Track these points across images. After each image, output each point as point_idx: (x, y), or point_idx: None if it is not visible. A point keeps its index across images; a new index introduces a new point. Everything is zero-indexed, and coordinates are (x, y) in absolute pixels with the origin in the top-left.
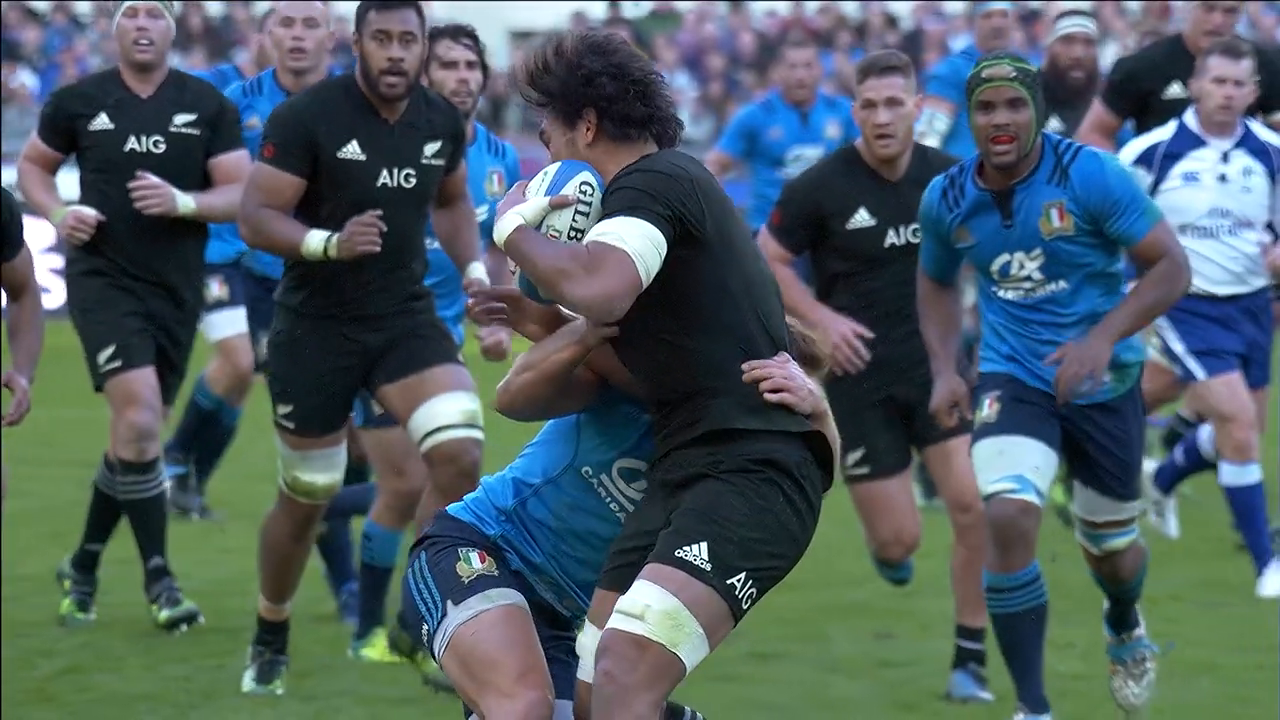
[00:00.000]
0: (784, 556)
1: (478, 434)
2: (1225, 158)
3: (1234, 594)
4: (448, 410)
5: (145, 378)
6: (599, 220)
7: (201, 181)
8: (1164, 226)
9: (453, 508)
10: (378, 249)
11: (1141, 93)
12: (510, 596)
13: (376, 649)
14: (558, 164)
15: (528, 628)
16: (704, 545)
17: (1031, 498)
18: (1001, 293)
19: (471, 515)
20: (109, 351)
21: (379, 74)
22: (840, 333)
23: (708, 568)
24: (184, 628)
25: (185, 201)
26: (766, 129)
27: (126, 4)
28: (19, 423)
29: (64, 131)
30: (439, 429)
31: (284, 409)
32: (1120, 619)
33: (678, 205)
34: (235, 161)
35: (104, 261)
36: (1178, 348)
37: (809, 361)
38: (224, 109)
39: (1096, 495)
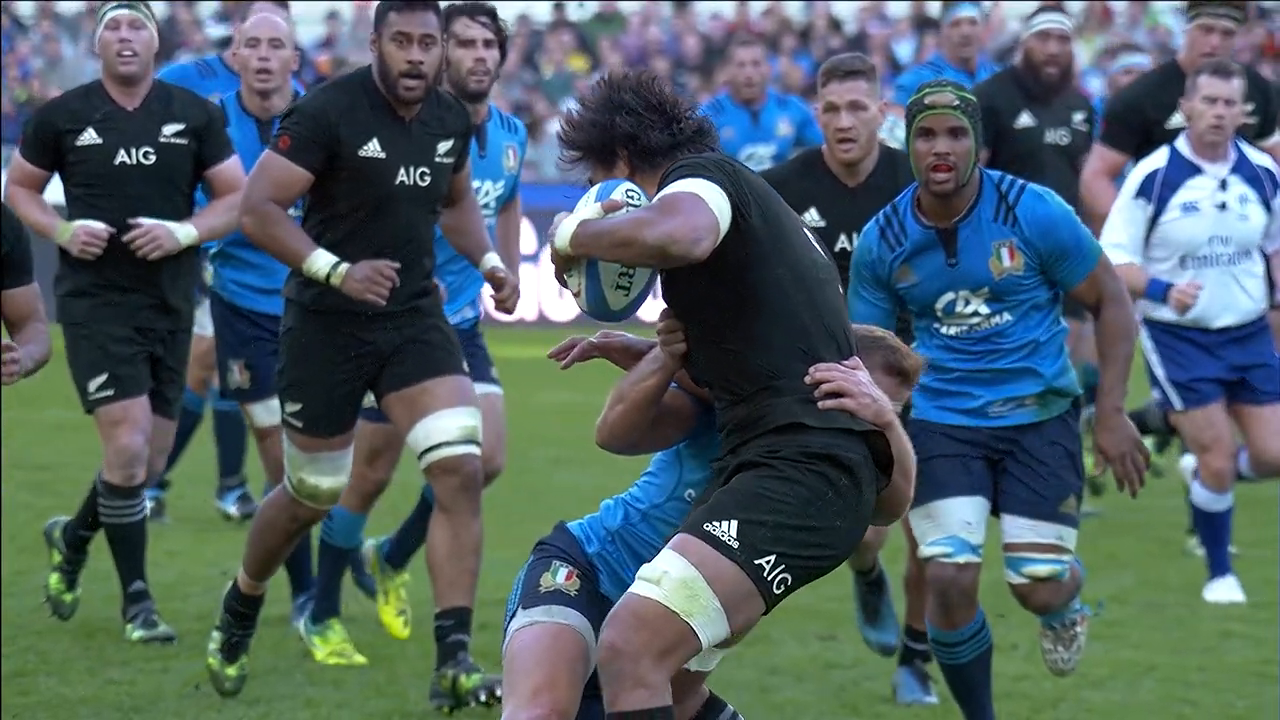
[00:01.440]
0: (825, 548)
1: (477, 449)
2: (1223, 185)
3: (1175, 595)
4: (448, 427)
5: (138, 405)
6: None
7: (191, 191)
8: (1103, 263)
9: (571, 522)
10: (384, 305)
11: (1145, 124)
12: (571, 619)
13: (328, 645)
14: (598, 184)
15: (571, 652)
16: (733, 523)
17: (967, 557)
18: (943, 329)
19: (582, 531)
20: (100, 380)
21: (398, 76)
22: None
23: (734, 545)
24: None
25: (187, 233)
26: (717, 130)
27: (109, 16)
28: (15, 374)
29: (50, 148)
30: (440, 445)
31: (292, 408)
32: None
33: (728, 183)
34: (233, 170)
35: (92, 278)
36: (1159, 373)
37: (898, 373)
38: (212, 118)
39: (1012, 517)
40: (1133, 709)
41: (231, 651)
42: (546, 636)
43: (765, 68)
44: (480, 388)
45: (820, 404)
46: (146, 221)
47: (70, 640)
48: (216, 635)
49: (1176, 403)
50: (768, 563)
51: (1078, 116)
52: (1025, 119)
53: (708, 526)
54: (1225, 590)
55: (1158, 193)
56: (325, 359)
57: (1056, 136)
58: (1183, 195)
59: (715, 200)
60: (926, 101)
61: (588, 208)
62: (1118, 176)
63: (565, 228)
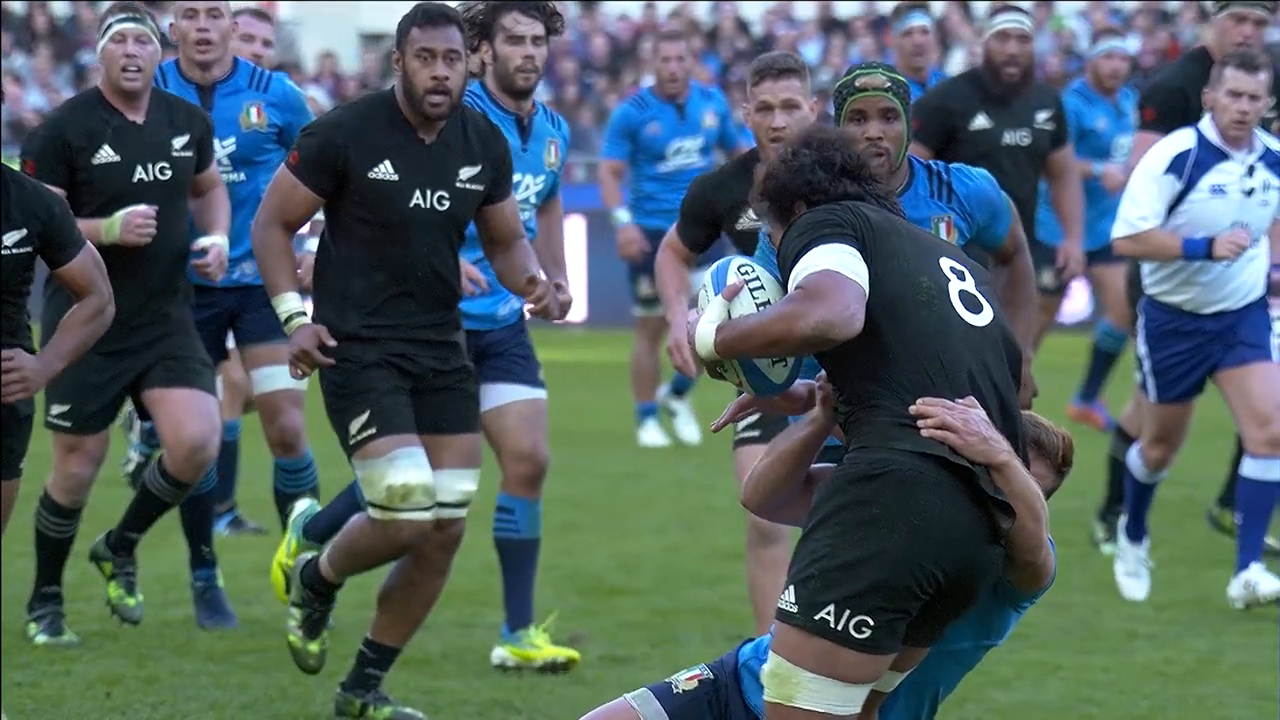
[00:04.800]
0: (886, 570)
1: (465, 512)
2: (1250, 172)
3: (1080, 596)
4: (453, 488)
5: (93, 439)
6: (792, 260)
7: (186, 200)
8: (1014, 212)
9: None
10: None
11: (1189, 111)
12: (648, 707)
13: (289, 550)
14: (707, 273)
15: None
16: (791, 589)
17: None
18: None
19: (749, 644)
20: (62, 409)
21: (423, 93)
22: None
23: (795, 610)
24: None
25: (225, 243)
26: (644, 125)
27: (114, 29)
28: (19, 392)
29: (65, 167)
30: (438, 505)
31: (359, 421)
32: None
33: (852, 234)
34: (215, 171)
35: None
36: (1145, 365)
37: (1036, 446)
38: (209, 128)
39: None
40: (1038, 708)
41: (313, 628)
42: (617, 711)
43: (689, 61)
44: (528, 391)
45: (923, 432)
46: (205, 241)
47: None
48: (296, 612)
49: (1153, 394)
50: (829, 613)
51: (1042, 115)
52: (981, 120)
53: (780, 604)
54: (1133, 562)
55: (1188, 172)
56: (382, 375)
57: (1016, 137)
58: (1212, 178)
59: (851, 265)
60: (858, 84)
61: (711, 304)
62: None
63: (703, 335)
